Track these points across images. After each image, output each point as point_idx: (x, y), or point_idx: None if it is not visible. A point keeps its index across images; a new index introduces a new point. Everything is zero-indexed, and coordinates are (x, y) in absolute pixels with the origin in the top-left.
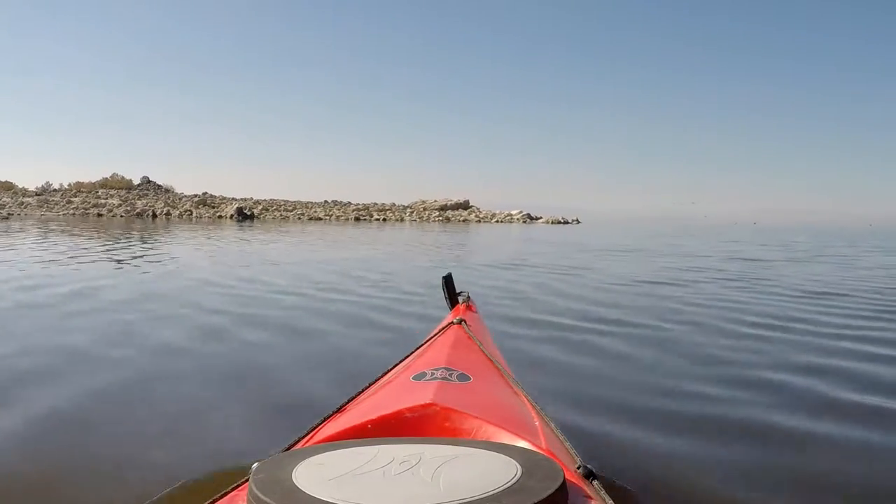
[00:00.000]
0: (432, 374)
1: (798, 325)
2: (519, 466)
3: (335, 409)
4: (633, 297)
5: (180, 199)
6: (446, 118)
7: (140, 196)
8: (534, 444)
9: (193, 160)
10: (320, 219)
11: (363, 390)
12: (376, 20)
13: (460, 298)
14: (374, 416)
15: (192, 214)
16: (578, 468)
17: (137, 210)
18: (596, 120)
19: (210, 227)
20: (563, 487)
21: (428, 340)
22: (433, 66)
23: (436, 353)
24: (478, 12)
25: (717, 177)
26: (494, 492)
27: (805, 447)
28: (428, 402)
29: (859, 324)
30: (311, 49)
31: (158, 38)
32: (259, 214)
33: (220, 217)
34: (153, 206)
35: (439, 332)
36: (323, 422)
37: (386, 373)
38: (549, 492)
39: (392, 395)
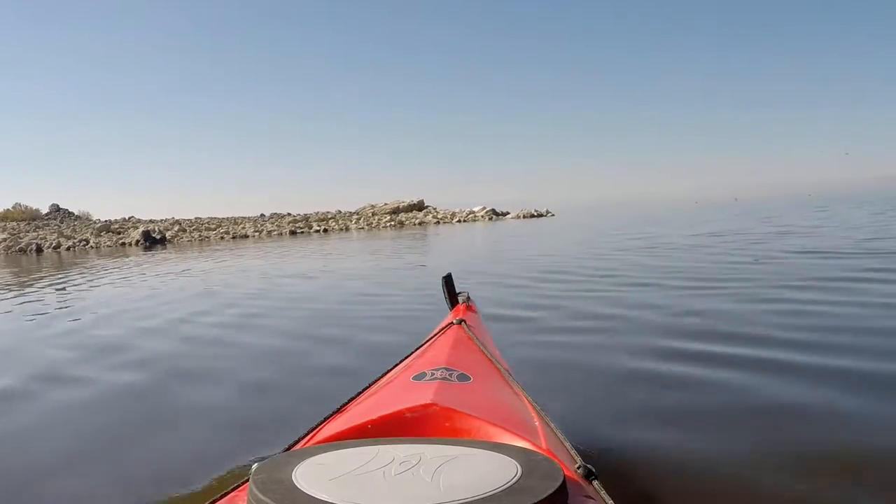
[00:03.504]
0: (432, 374)
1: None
2: (519, 466)
3: (335, 410)
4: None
5: (86, 226)
6: (399, 115)
7: (41, 227)
8: (534, 444)
9: (119, 185)
10: (247, 236)
11: (363, 390)
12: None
13: (460, 298)
14: (374, 417)
15: (87, 244)
16: (578, 468)
17: (21, 245)
18: (560, 111)
19: (97, 260)
20: (563, 487)
21: (428, 340)
22: (381, 63)
23: (436, 354)
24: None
25: (701, 157)
26: (494, 492)
27: (808, 444)
28: (428, 402)
29: None
30: (249, 63)
31: (81, 60)
32: (173, 237)
33: (123, 244)
34: (41, 238)
35: (439, 332)
36: (323, 422)
37: (386, 373)
38: (549, 492)
39: (392, 396)
